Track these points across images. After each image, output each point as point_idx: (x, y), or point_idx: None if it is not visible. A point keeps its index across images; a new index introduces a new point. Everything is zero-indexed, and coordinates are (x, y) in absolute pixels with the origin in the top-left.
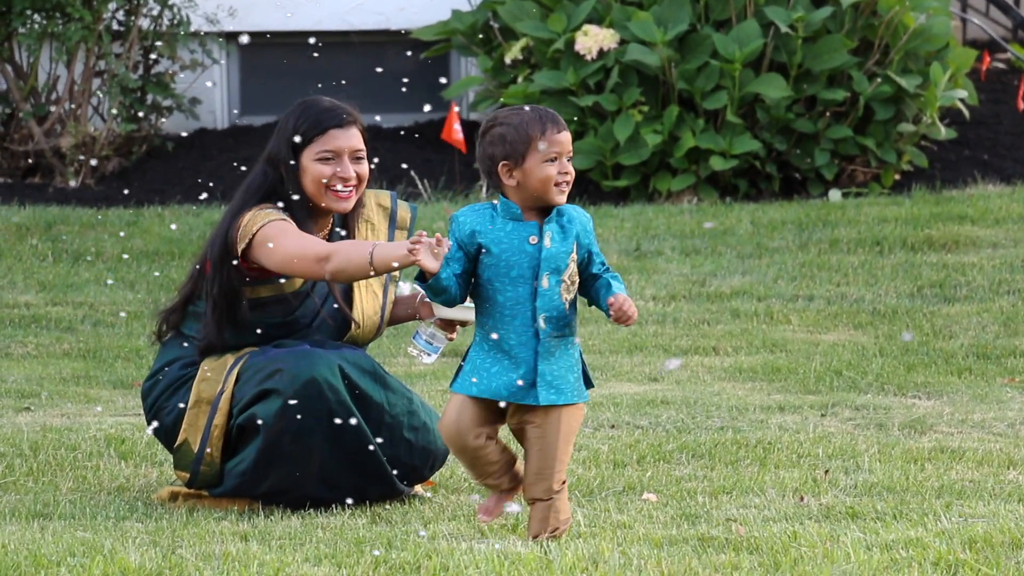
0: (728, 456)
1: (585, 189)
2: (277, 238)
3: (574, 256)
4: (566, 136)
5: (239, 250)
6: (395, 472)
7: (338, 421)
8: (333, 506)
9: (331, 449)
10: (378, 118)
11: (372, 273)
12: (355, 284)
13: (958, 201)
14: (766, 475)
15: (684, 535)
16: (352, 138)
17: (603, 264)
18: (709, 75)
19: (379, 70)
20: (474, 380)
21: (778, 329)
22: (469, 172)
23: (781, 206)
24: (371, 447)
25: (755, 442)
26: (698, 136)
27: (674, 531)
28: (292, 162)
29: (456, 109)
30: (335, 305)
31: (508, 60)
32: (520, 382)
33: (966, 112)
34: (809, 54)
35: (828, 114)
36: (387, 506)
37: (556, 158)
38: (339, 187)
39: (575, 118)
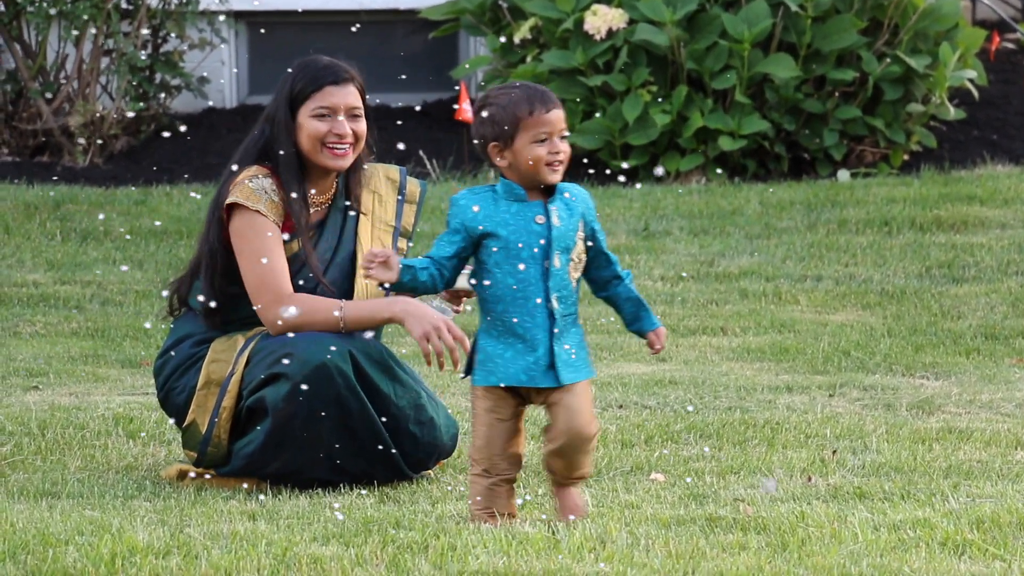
0: (736, 436)
1: (594, 169)
2: (246, 258)
3: (581, 234)
4: (556, 114)
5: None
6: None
7: (346, 407)
8: (341, 486)
9: (339, 434)
10: (381, 98)
11: (342, 327)
12: (359, 255)
13: (967, 182)
14: (774, 455)
15: (692, 515)
16: (349, 95)
17: (612, 254)
18: (718, 55)
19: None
20: (491, 369)
21: (786, 309)
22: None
23: (790, 186)
24: (379, 432)
25: (763, 422)
26: (707, 116)
27: (682, 511)
28: (288, 118)
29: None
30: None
31: (517, 40)
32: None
33: (975, 92)
34: (818, 34)
35: (837, 94)
36: (395, 486)
37: (547, 138)
38: (335, 144)
39: (584, 98)
